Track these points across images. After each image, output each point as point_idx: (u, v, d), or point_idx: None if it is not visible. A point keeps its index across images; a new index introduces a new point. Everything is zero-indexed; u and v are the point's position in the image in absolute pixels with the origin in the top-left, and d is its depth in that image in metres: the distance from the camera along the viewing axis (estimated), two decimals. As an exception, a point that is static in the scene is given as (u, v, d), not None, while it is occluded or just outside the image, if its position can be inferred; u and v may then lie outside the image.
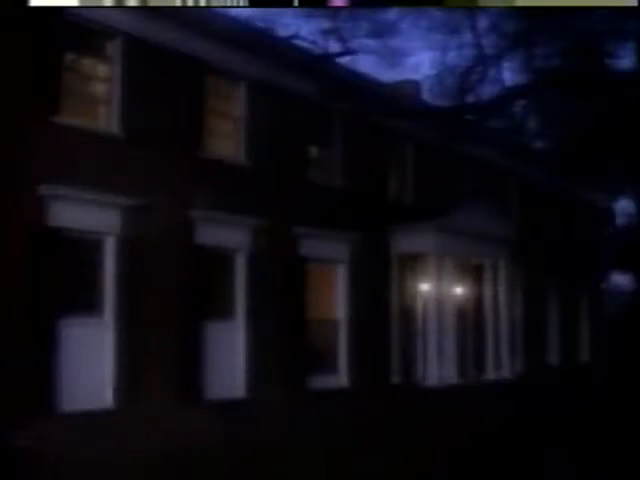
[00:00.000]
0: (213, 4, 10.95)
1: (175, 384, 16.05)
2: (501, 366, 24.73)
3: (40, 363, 14.07)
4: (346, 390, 20.04)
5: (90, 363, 15.06)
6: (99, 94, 16.26)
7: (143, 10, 15.65)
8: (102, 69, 16.20)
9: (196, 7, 10.88)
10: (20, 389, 13.48)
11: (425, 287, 22.59)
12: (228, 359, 17.53)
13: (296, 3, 10.48)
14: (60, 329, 14.52)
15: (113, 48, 16.08)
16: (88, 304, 15.35)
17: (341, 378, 20.54)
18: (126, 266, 15.67)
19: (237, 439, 12.62)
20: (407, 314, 22.66)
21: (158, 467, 10.44)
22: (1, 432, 11.91)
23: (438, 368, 21.80)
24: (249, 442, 12.42)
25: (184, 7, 15.19)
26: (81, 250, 15.35)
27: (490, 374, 24.34)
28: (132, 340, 15.51)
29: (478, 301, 25.12)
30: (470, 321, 24.75)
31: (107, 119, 16.03)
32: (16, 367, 13.49)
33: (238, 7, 10.71)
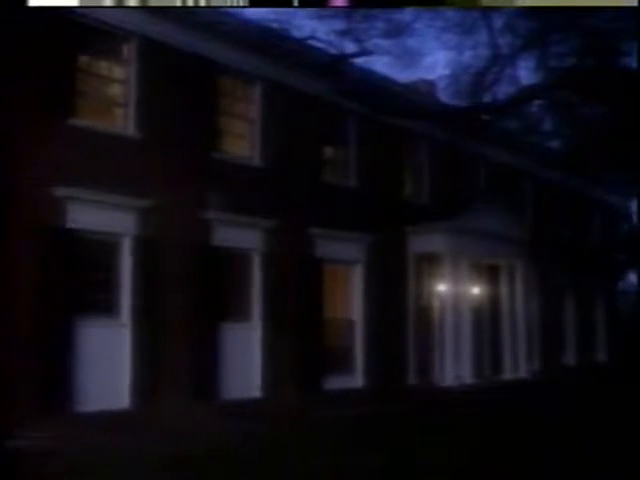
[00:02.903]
0: (213, 4, 10.93)
1: (191, 384, 16.08)
2: (517, 366, 24.67)
3: (58, 363, 14.14)
4: (362, 390, 20.01)
5: (107, 364, 15.10)
6: (115, 96, 16.34)
7: (158, 12, 15.77)
8: (118, 71, 16.28)
9: (196, 7, 10.90)
10: (38, 389, 13.57)
11: (441, 287, 22.55)
12: (244, 360, 17.54)
13: (296, 3, 10.47)
14: (77, 330, 14.58)
15: (129, 50, 16.16)
16: (105, 305, 15.41)
17: (357, 379, 20.51)
18: (142, 267, 15.72)
19: (253, 440, 12.64)
20: (423, 314, 22.62)
21: (174, 467, 10.47)
22: (19, 432, 11.99)
23: (454, 368, 21.76)
24: (265, 442, 12.44)
25: (194, 7, 15.35)
26: (98, 251, 15.41)
27: (506, 374, 24.29)
28: (149, 341, 15.56)
29: (494, 301, 25.05)
30: (486, 321, 24.69)
31: (123, 121, 16.10)
32: (34, 367, 13.57)
33: (238, 7, 10.73)
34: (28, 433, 12.18)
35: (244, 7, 10.77)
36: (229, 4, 10.83)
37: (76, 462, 10.71)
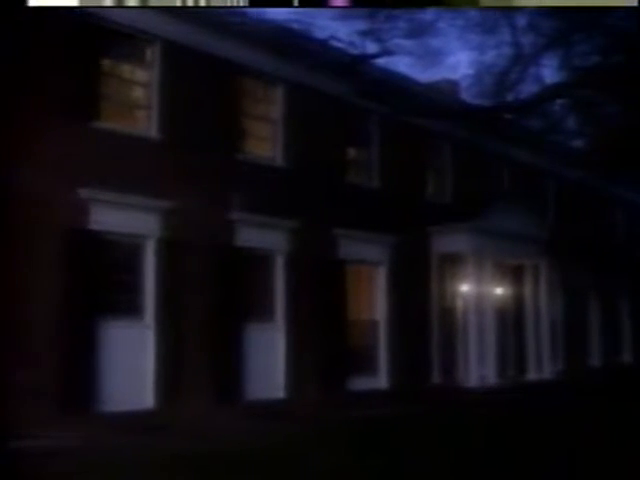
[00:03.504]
0: (213, 4, 10.95)
1: (215, 385, 16.13)
2: (541, 367, 24.56)
3: (82, 364, 14.24)
4: (386, 391, 19.99)
5: (131, 364, 15.19)
6: (138, 98, 16.43)
7: (180, 14, 15.85)
8: (140, 74, 16.37)
9: (195, 7, 10.88)
10: (63, 389, 13.66)
11: (464, 287, 22.50)
12: (268, 360, 17.57)
13: (296, 3, 10.48)
14: (102, 331, 14.68)
15: (151, 53, 16.24)
16: (129, 306, 15.50)
17: (381, 379, 20.49)
18: (166, 268, 15.80)
19: (276, 440, 12.65)
20: (447, 314, 22.57)
21: (198, 467, 10.51)
22: (43, 432, 12.08)
23: (478, 368, 21.70)
24: (289, 443, 12.45)
25: (215, 8, 15.42)
26: (122, 253, 15.51)
27: (530, 375, 24.19)
28: (173, 342, 15.62)
29: (518, 301, 24.96)
30: (510, 321, 24.60)
31: (146, 123, 16.18)
32: (59, 367, 13.66)
33: (238, 7, 10.74)
34: (52, 433, 12.28)
35: (244, 7, 10.78)
36: (229, 4, 10.82)
37: (99, 462, 10.77)
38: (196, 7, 10.87)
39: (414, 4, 13.21)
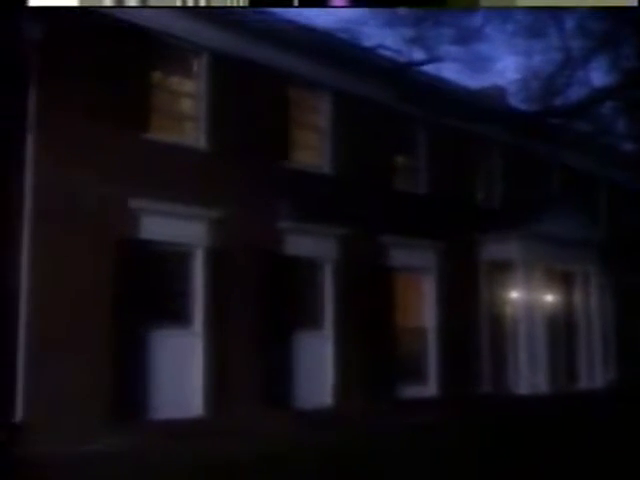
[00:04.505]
0: (213, 4, 11.00)
1: (264, 393, 16.16)
2: (593, 375, 24.20)
3: (133, 372, 14.37)
4: (435, 399, 19.86)
5: (180, 372, 15.29)
6: (186, 110, 16.57)
7: (227, 25, 16.00)
8: (188, 85, 16.51)
9: (195, 7, 10.97)
10: (114, 397, 13.80)
11: (514, 294, 22.29)
12: (316, 368, 17.57)
13: (296, 3, 10.51)
14: (152, 339, 14.81)
15: (199, 64, 16.38)
16: (178, 315, 15.62)
17: (430, 387, 20.37)
18: (214, 277, 15.89)
19: (325, 448, 12.64)
20: (496, 322, 22.38)
21: (246, 474, 10.54)
22: (94, 439, 12.22)
23: (529, 376, 21.46)
24: (337, 451, 12.43)
25: (261, 17, 15.52)
26: (171, 262, 15.64)
27: (582, 383, 23.86)
28: (221, 349, 15.69)
29: (568, 308, 24.65)
30: (561, 329, 24.30)
31: (194, 134, 16.31)
32: (110, 376, 13.81)
33: (238, 7, 10.78)
34: (105, 439, 12.42)
35: (244, 7, 10.82)
36: (229, 4, 10.86)
37: (150, 468, 10.86)
38: (196, 7, 10.95)
39: (414, 4, 13.17)
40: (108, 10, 13.70)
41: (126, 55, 14.81)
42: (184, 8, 12.84)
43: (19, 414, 13.00)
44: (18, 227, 13.39)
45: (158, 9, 13.96)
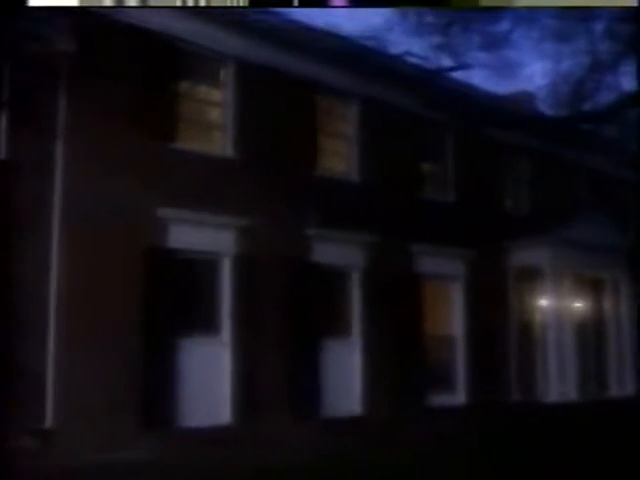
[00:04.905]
0: (213, 4, 11.00)
1: (292, 401, 16.14)
2: (624, 383, 23.95)
3: (161, 381, 14.41)
4: (464, 407, 19.74)
5: (209, 381, 15.31)
6: (213, 119, 16.62)
7: (253, 32, 16.07)
8: (216, 94, 16.57)
9: (195, 7, 10.91)
10: (143, 406, 13.85)
11: (543, 301, 22.13)
12: (344, 377, 17.53)
13: (296, 3, 10.50)
14: (181, 348, 14.86)
15: (226, 73, 16.43)
16: (207, 324, 15.64)
17: (459, 395, 20.26)
18: (242, 286, 15.90)
19: (353, 457, 12.58)
20: (525, 329, 22.22)
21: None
22: (123, 447, 12.26)
23: (558, 384, 21.29)
24: (365, 460, 12.37)
25: (288, 26, 15.51)
26: (199, 271, 15.68)
27: (612, 391, 23.62)
28: (249, 358, 15.69)
29: (597, 315, 24.43)
30: (590, 336, 24.08)
31: (221, 143, 16.36)
32: (139, 384, 13.85)
33: (238, 7, 10.76)
34: (133, 447, 12.45)
35: (244, 7, 10.81)
36: (229, 4, 10.86)
37: (178, 476, 10.87)
38: (196, 7, 10.91)
39: (414, 3, 13.14)
40: (137, 20, 13.79)
41: (154, 65, 14.89)
42: (184, 8, 12.75)
43: (49, 421, 13.09)
44: (47, 237, 13.48)
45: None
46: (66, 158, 13.73)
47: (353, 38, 17.54)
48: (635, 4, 11.60)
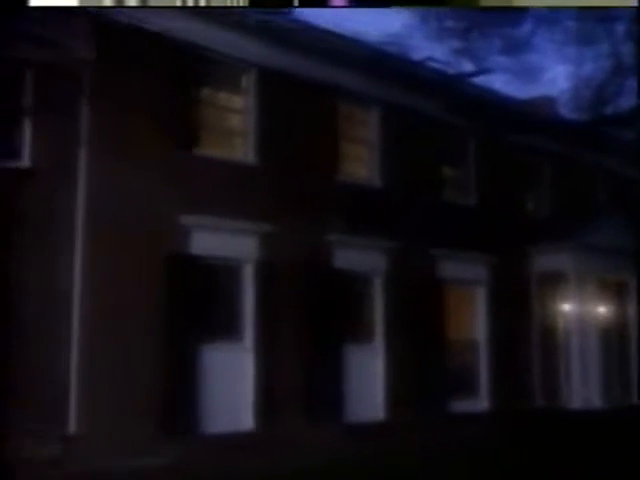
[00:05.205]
0: (213, 4, 11.03)
1: (314, 407, 16.13)
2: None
3: (184, 386, 14.44)
4: (487, 413, 19.66)
5: (231, 387, 15.33)
6: (235, 125, 16.66)
7: (274, 39, 16.10)
8: (237, 101, 16.61)
9: (195, 7, 10.94)
10: (165, 411, 13.89)
11: (566, 306, 22.01)
12: (367, 382, 17.51)
13: (296, 3, 10.51)
14: (203, 354, 14.89)
15: (247, 80, 16.48)
16: (229, 330, 15.67)
17: (482, 401, 20.17)
18: (264, 292, 15.91)
19: (376, 463, 12.58)
20: (548, 334, 22.10)
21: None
22: (146, 452, 12.31)
23: (582, 390, 21.15)
24: (388, 466, 12.36)
25: (308, 32, 15.52)
26: (221, 277, 15.71)
27: (637, 396, 23.41)
28: (272, 364, 15.70)
29: (621, 319, 24.25)
30: (614, 341, 23.90)
31: (243, 149, 16.41)
32: (161, 390, 13.90)
33: (238, 7, 10.78)
34: (156, 453, 12.50)
35: (244, 7, 10.83)
36: (229, 4, 10.87)
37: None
38: (196, 7, 10.95)
39: (414, 3, 13.11)
40: (159, 27, 13.85)
41: (176, 72, 14.93)
42: (184, 8, 12.75)
43: (72, 427, 13.16)
44: (70, 243, 13.56)
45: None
46: (88, 165, 13.80)
47: (374, 43, 17.54)
48: (635, 4, 11.54)
